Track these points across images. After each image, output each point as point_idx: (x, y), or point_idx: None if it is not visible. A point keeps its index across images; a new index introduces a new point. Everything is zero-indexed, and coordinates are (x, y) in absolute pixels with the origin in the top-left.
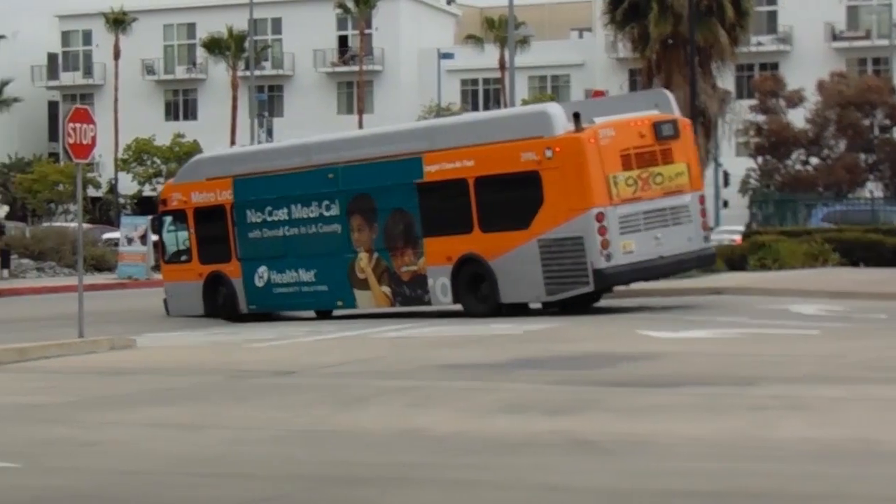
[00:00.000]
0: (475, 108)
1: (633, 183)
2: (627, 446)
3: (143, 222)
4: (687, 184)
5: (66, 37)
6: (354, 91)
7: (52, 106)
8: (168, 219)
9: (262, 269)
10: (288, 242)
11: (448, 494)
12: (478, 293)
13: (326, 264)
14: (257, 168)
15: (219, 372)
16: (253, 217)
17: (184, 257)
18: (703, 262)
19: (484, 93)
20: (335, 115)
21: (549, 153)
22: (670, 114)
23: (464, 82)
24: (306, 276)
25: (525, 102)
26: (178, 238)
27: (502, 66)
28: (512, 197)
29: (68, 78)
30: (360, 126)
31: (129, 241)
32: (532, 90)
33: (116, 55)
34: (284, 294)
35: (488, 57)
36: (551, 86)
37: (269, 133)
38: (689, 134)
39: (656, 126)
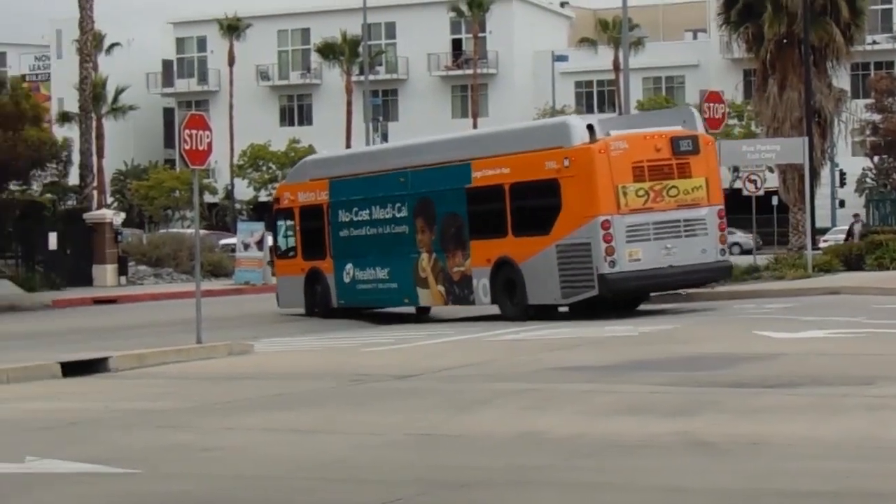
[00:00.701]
0: (589, 110)
1: (644, 194)
2: (746, 447)
3: (260, 228)
4: (704, 197)
5: (180, 44)
6: (469, 94)
7: (168, 113)
8: (280, 217)
9: (349, 267)
10: (368, 241)
11: (566, 496)
12: (513, 296)
13: (397, 263)
14: (349, 170)
15: (337, 376)
16: (343, 216)
17: (291, 253)
18: (718, 274)
19: (598, 95)
20: (449, 118)
21: (566, 162)
22: (693, 130)
23: (578, 84)
24: (381, 273)
25: (640, 104)
26: (287, 235)
27: (616, 68)
28: (538, 203)
29: (183, 85)
30: (475, 128)
31: (246, 246)
32: (646, 91)
33: (231, 61)
34: (366, 290)
35: (602, 59)
36: (665, 87)
37: (384, 137)
38: (711, 150)
39: (674, 141)
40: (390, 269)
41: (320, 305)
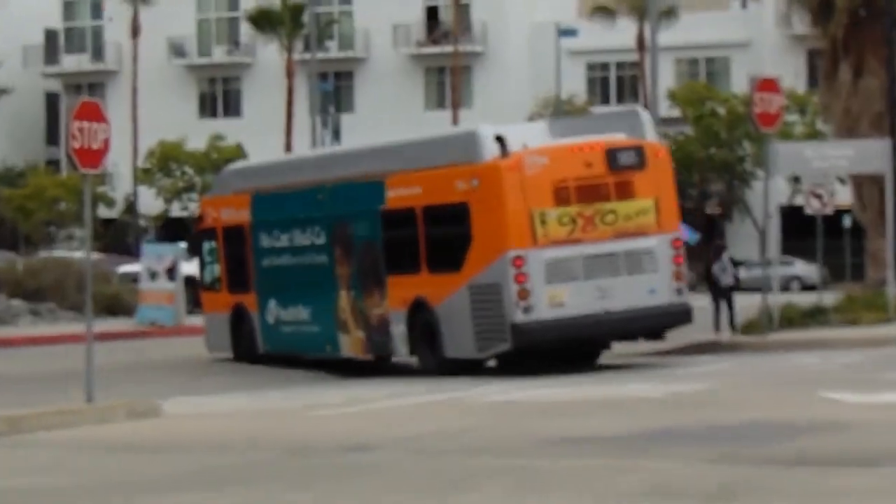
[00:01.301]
0: (605, 99)
1: (570, 221)
2: None
3: (171, 251)
4: (653, 224)
5: (69, 8)
6: (447, 79)
7: (51, 99)
8: (204, 238)
9: (272, 303)
10: (290, 273)
11: None
12: (433, 345)
13: (318, 302)
14: (273, 183)
15: (272, 447)
16: (264, 241)
17: (217, 284)
18: (671, 320)
19: (617, 81)
20: (422, 110)
21: (475, 182)
22: (638, 138)
23: (590, 67)
24: (304, 314)
25: (671, 93)
26: (211, 262)
27: (641, 46)
28: (449, 232)
29: (72, 62)
30: (455, 122)
31: (153, 275)
32: (680, 76)
33: (135, 32)
34: (290, 334)
35: (622, 34)
36: (706, 71)
37: (336, 134)
38: (663, 163)
39: (610, 154)
40: (312, 308)
41: (246, 350)
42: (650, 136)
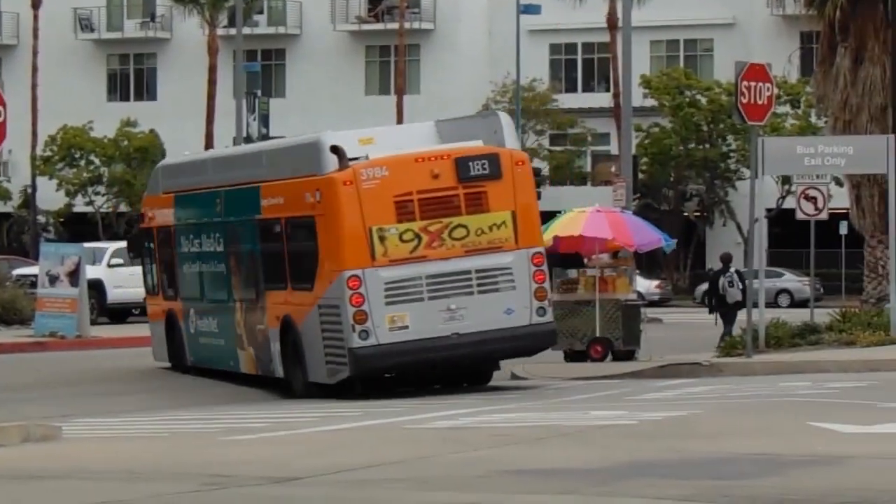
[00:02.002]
0: (571, 85)
1: (414, 237)
2: None
3: (74, 252)
4: (510, 238)
5: None
6: (392, 60)
7: None
8: (144, 239)
9: (192, 312)
10: (202, 281)
11: None
12: (301, 366)
13: (222, 313)
14: (192, 183)
15: (184, 476)
16: (184, 245)
17: (155, 289)
18: (532, 342)
19: (584, 64)
20: (362, 94)
21: (318, 195)
22: (495, 146)
23: (554, 48)
24: (213, 325)
25: (644, 79)
26: (150, 265)
27: (612, 25)
28: (303, 247)
29: None
30: (399, 111)
31: (53, 279)
32: (656, 61)
33: (36, 2)
34: (204, 346)
35: (591, 11)
36: (684, 55)
37: (265, 121)
38: (523, 173)
39: (460, 163)
40: (217, 320)
41: (177, 359)
42: (510, 142)
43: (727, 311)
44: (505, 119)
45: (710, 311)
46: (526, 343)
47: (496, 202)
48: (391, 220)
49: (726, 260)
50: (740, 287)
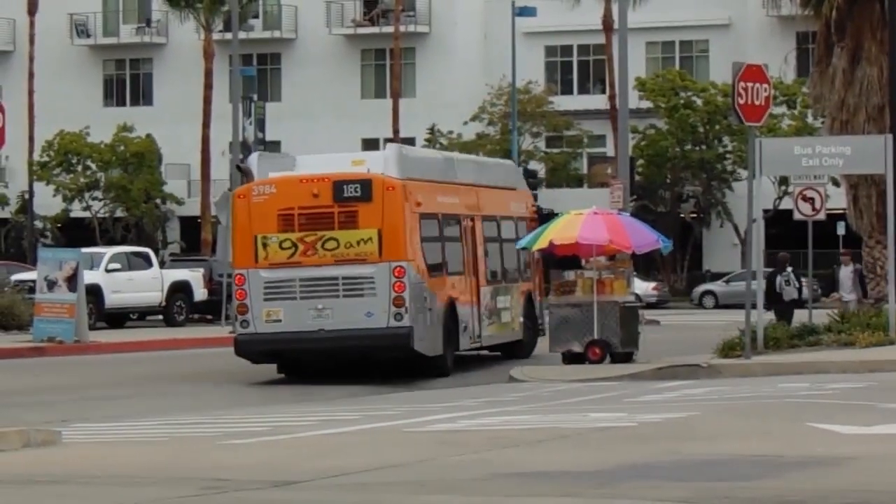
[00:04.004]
0: (567, 88)
1: (291, 246)
2: None
3: (72, 257)
4: (374, 252)
5: None
6: (387, 64)
7: None
8: None
9: None
10: None
11: None
12: None
13: None
14: None
15: (184, 481)
16: None
17: None
18: (386, 342)
19: (580, 66)
20: (358, 98)
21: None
22: (372, 173)
23: (549, 51)
24: None
25: (640, 82)
26: None
27: (607, 27)
28: None
29: None
30: (395, 115)
31: (51, 285)
32: (652, 62)
33: (32, 8)
34: None
35: (587, 13)
36: (680, 56)
37: (261, 125)
38: (393, 196)
39: (336, 186)
40: None
41: None
42: (392, 170)
43: (783, 309)
44: (393, 152)
45: (767, 309)
46: (382, 342)
47: (365, 220)
48: (274, 229)
49: (784, 260)
50: (797, 286)
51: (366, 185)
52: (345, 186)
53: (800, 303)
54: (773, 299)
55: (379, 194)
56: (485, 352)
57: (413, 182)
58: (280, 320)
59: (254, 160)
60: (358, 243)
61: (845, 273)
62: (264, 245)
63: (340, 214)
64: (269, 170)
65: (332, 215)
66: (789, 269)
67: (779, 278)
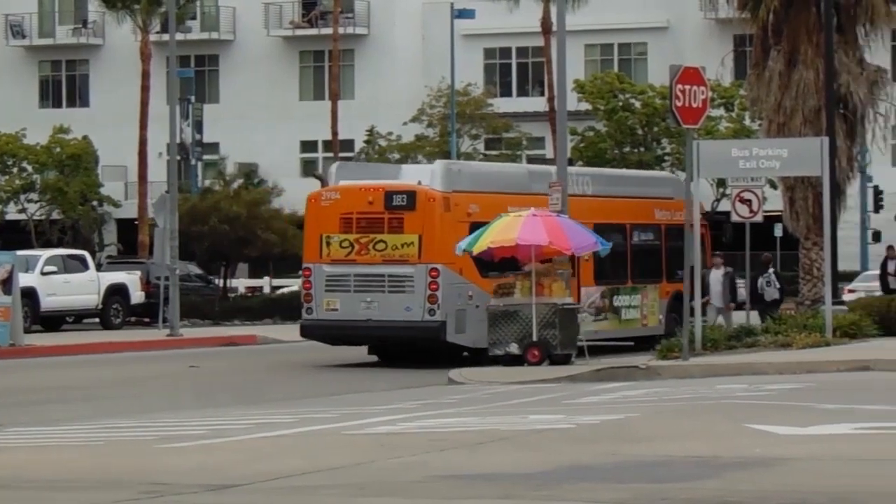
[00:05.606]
0: (506, 90)
1: (349, 245)
2: None
3: (7, 260)
4: (414, 255)
5: None
6: (326, 65)
7: None
8: None
9: None
10: None
11: None
12: None
13: None
14: None
15: (121, 485)
16: None
17: None
18: (421, 334)
19: (518, 68)
20: (296, 99)
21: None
22: (419, 185)
23: (488, 53)
24: None
25: (578, 84)
26: None
27: (546, 30)
28: None
29: None
30: (334, 117)
31: None
32: (590, 65)
33: None
34: None
35: (525, 15)
36: (619, 59)
37: (198, 127)
38: (433, 207)
39: (387, 195)
40: None
41: None
42: (438, 184)
43: (764, 309)
44: (439, 168)
45: (751, 309)
46: (416, 333)
47: (409, 226)
48: (336, 230)
49: (766, 261)
50: (777, 287)
51: (411, 195)
52: (394, 196)
53: (780, 302)
54: (756, 299)
55: (422, 204)
56: None
57: (462, 194)
58: (337, 309)
59: (333, 169)
60: (402, 246)
61: (716, 277)
62: (328, 243)
63: (389, 220)
64: (342, 178)
65: (383, 220)
66: (771, 270)
67: (760, 279)
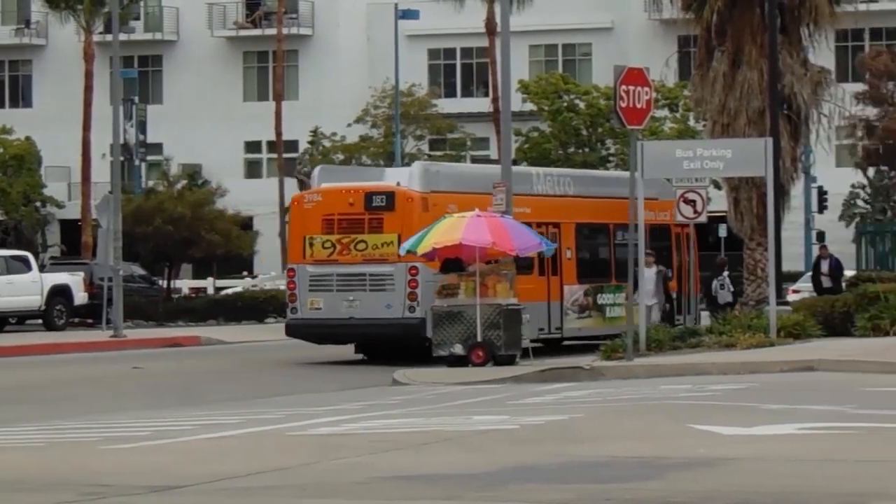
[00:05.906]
0: (450, 90)
1: (331, 246)
2: None
3: None
4: (394, 254)
5: None
6: (270, 66)
7: None
8: None
9: None
10: None
11: None
12: None
13: None
14: None
15: (64, 487)
16: None
17: None
18: (402, 331)
19: (463, 69)
20: (240, 100)
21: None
22: (398, 186)
23: (432, 53)
24: None
25: (522, 84)
26: None
27: (490, 31)
28: None
29: None
30: (278, 118)
31: None
32: (535, 66)
33: None
34: None
35: (469, 16)
36: (563, 59)
37: (142, 127)
38: (412, 207)
39: (367, 196)
40: None
41: None
42: (416, 185)
43: (717, 311)
44: (417, 169)
45: (705, 311)
46: (397, 330)
47: (389, 226)
48: (318, 231)
49: (721, 264)
50: (731, 289)
51: (390, 196)
52: (373, 197)
53: (732, 305)
54: (710, 302)
55: (400, 204)
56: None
57: (440, 194)
58: (320, 308)
59: (316, 172)
60: (382, 245)
61: (648, 275)
62: (311, 244)
63: (370, 220)
64: (324, 181)
65: (363, 221)
66: (725, 273)
67: (714, 282)
